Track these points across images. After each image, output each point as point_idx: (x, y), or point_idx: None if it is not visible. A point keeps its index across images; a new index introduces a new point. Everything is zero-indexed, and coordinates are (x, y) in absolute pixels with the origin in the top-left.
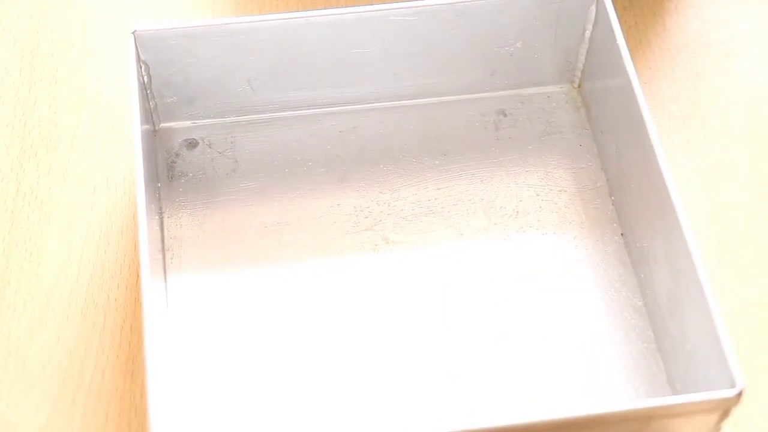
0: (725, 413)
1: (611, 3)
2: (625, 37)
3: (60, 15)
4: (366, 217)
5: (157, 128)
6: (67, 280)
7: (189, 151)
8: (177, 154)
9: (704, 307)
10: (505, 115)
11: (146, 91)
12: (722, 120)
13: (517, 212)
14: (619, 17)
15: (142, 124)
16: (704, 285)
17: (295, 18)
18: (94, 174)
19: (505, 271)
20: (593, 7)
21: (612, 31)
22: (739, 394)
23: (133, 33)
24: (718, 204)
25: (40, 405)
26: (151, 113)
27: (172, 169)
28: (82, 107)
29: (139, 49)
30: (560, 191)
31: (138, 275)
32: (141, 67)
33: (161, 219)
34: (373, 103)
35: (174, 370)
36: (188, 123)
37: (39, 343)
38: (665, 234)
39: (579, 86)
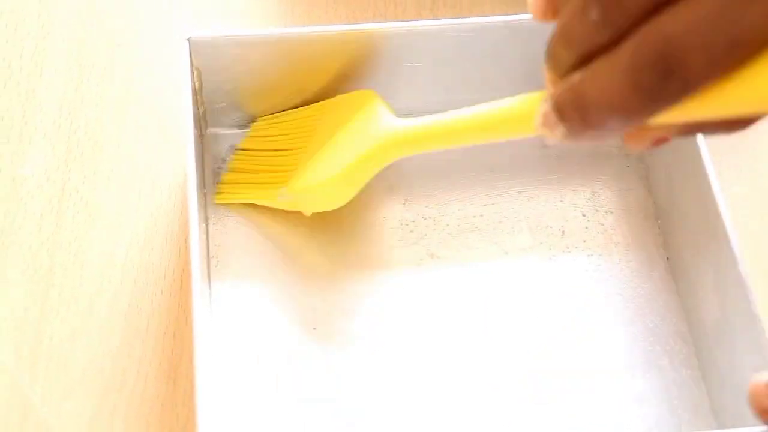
0: None
1: None
2: None
3: (111, 16)
4: (411, 231)
5: (204, 134)
6: (111, 283)
7: None
8: (223, 160)
9: (755, 339)
10: None
11: (197, 96)
12: None
13: (563, 232)
14: None
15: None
16: (756, 316)
17: (350, 29)
18: (140, 177)
19: (548, 290)
20: None
21: None
22: None
23: (188, 39)
24: (766, 232)
25: (80, 411)
26: (199, 119)
27: (218, 176)
28: (129, 109)
29: (192, 55)
30: (606, 212)
31: (182, 281)
32: (194, 74)
33: (207, 225)
34: (423, 116)
35: (217, 377)
36: (235, 130)
37: (81, 347)
38: (715, 261)
39: None
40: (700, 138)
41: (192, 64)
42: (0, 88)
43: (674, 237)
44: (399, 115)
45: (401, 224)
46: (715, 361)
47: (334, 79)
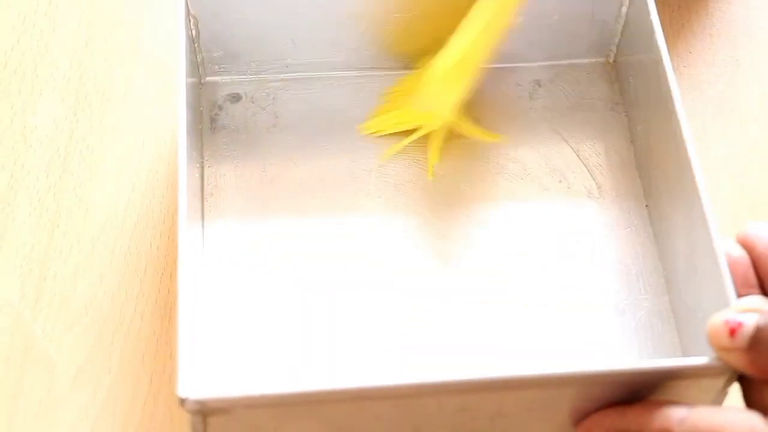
0: (731, 378)
1: None
2: (666, 20)
3: None
4: (399, 177)
5: (202, 81)
6: (113, 226)
7: (232, 105)
8: (220, 107)
9: (717, 278)
10: (540, 86)
11: (194, 44)
12: (759, 108)
13: (547, 179)
14: None
15: (188, 77)
16: (719, 257)
17: None
18: (144, 127)
19: (530, 233)
20: None
21: (647, 8)
22: None
23: None
24: (748, 191)
25: (80, 344)
26: (197, 66)
27: (215, 122)
28: (136, 62)
29: (189, 4)
30: (589, 161)
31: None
32: (190, 21)
33: (202, 168)
34: (413, 68)
35: (205, 312)
36: (233, 77)
37: (83, 285)
38: (686, 205)
39: (614, 61)
40: (677, 94)
41: (188, 13)
42: (14, 43)
43: (653, 186)
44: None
45: (391, 171)
46: (683, 300)
47: None
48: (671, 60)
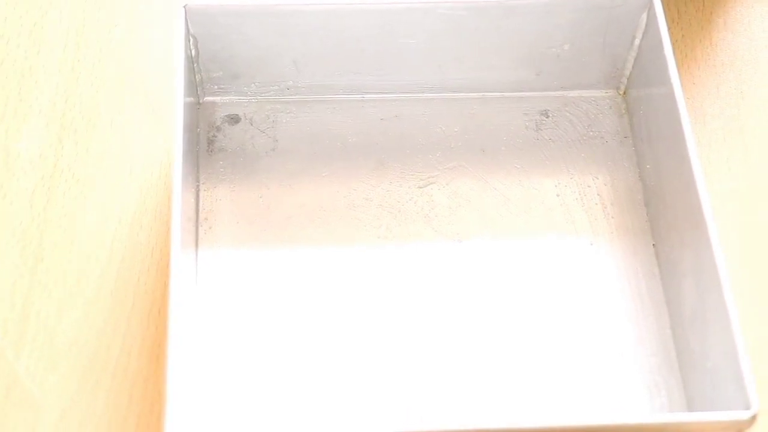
0: None
1: (662, 12)
2: (672, 49)
3: None
4: (400, 208)
5: (201, 102)
6: (99, 260)
7: (230, 127)
8: (218, 129)
9: (727, 326)
10: (547, 116)
11: (193, 64)
12: (763, 141)
13: (551, 213)
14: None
15: (186, 96)
16: (728, 304)
17: (344, 4)
18: (132, 155)
19: (534, 272)
20: (644, 15)
21: (661, 40)
22: (754, 417)
23: (184, 6)
24: (753, 226)
25: (65, 384)
26: (196, 87)
27: (212, 144)
28: (125, 87)
29: (189, 23)
30: (596, 196)
31: (169, 259)
32: (189, 41)
33: (197, 192)
34: (417, 93)
35: (195, 350)
36: (232, 98)
37: (67, 322)
38: (695, 249)
39: (624, 93)
40: (688, 129)
41: (188, 32)
42: None
43: (661, 224)
44: (393, 91)
45: (390, 199)
46: (690, 347)
47: None
48: None
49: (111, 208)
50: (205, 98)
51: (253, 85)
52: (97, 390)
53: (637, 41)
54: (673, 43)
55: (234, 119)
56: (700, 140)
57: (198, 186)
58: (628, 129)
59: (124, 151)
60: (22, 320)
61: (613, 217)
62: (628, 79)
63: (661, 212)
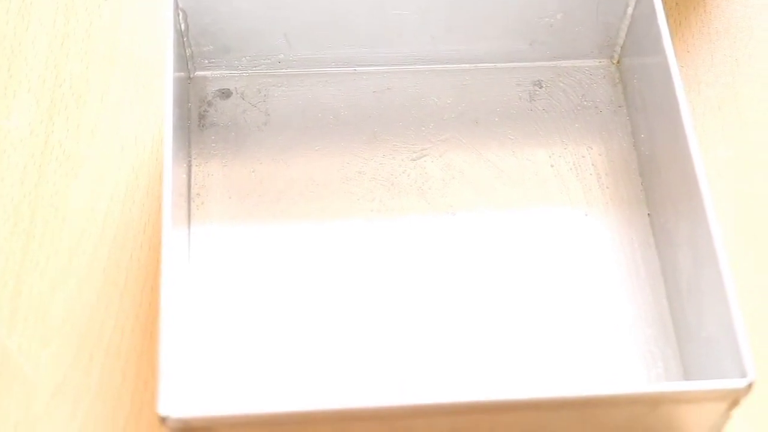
0: (735, 402)
1: None
2: (666, 18)
3: None
4: (393, 180)
5: (191, 76)
6: (91, 237)
7: (222, 101)
8: (210, 103)
9: (723, 296)
10: (540, 87)
11: (183, 38)
12: (759, 109)
13: (545, 185)
14: None
15: (176, 71)
16: (724, 274)
17: None
18: (123, 131)
19: (529, 243)
20: None
21: (654, 9)
22: (750, 385)
23: None
24: (749, 195)
25: (58, 361)
26: (186, 61)
27: (203, 119)
28: (115, 63)
29: None
30: (591, 166)
31: (161, 235)
32: (179, 14)
33: (189, 167)
34: (409, 65)
35: (188, 326)
36: (223, 72)
37: (60, 299)
38: (690, 218)
39: (618, 62)
40: (683, 97)
41: (177, 6)
42: None
43: (655, 193)
44: (385, 63)
45: (383, 172)
46: (686, 317)
47: None
48: None
49: (102, 185)
50: (196, 73)
51: (244, 59)
52: (90, 367)
53: (630, 9)
54: (667, 11)
55: (225, 93)
56: (695, 109)
57: (190, 161)
58: (622, 98)
59: (115, 128)
60: (14, 298)
61: (607, 188)
62: (621, 48)
63: (655, 182)
